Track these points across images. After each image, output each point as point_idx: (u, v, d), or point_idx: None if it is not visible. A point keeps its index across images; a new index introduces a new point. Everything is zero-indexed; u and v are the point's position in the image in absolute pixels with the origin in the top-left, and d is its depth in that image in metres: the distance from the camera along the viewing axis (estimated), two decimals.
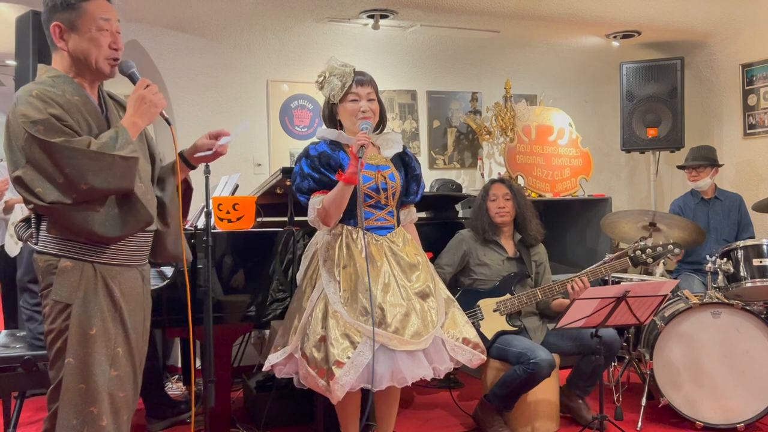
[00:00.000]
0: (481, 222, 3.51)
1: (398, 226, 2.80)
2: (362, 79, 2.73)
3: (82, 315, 1.89)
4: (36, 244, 1.94)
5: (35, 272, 3.03)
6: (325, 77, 2.74)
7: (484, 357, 2.74)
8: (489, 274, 3.47)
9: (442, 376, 2.67)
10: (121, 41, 2.03)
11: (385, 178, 2.73)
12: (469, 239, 3.54)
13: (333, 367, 2.46)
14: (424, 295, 2.67)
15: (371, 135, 2.66)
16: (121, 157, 1.87)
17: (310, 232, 3.13)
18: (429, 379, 2.61)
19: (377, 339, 2.49)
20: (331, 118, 2.80)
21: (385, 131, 2.87)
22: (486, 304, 3.38)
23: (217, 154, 2.21)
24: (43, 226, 1.93)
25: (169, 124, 2.13)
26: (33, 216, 1.96)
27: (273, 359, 2.68)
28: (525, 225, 3.51)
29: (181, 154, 2.23)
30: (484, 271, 3.48)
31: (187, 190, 2.31)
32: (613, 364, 3.75)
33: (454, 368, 2.72)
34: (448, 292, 2.84)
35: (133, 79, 2.06)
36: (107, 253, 1.95)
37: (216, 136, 2.20)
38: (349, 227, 2.70)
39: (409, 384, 2.55)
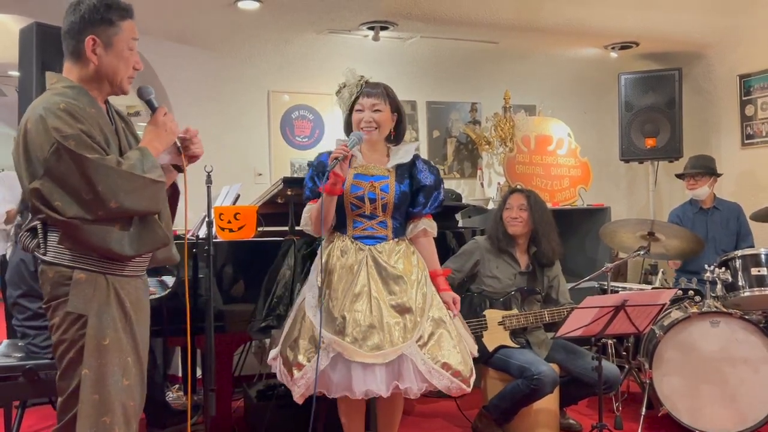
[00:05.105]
0: (495, 231, 3.46)
1: (394, 237, 2.75)
2: (370, 91, 2.76)
3: (96, 326, 1.88)
4: (44, 254, 1.91)
5: (29, 284, 3.05)
6: (341, 89, 2.82)
7: (465, 388, 2.59)
8: (498, 288, 3.43)
9: (412, 396, 2.57)
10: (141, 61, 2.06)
11: (375, 188, 2.72)
12: (484, 249, 3.48)
13: (293, 369, 2.57)
14: (402, 310, 2.61)
15: (354, 147, 2.64)
16: (152, 180, 1.90)
17: (310, 241, 3.14)
18: (384, 396, 2.53)
19: (334, 347, 2.53)
20: (348, 128, 2.85)
21: (403, 142, 2.88)
22: (492, 316, 3.37)
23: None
24: (53, 237, 1.91)
25: (180, 152, 2.14)
26: (39, 225, 1.92)
27: (272, 354, 2.77)
28: (540, 241, 3.42)
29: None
30: (494, 284, 3.43)
31: (174, 194, 2.29)
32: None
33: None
34: (444, 313, 2.70)
35: (151, 106, 2.09)
36: (119, 266, 1.96)
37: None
38: (340, 235, 2.75)
39: (358, 397, 2.53)
